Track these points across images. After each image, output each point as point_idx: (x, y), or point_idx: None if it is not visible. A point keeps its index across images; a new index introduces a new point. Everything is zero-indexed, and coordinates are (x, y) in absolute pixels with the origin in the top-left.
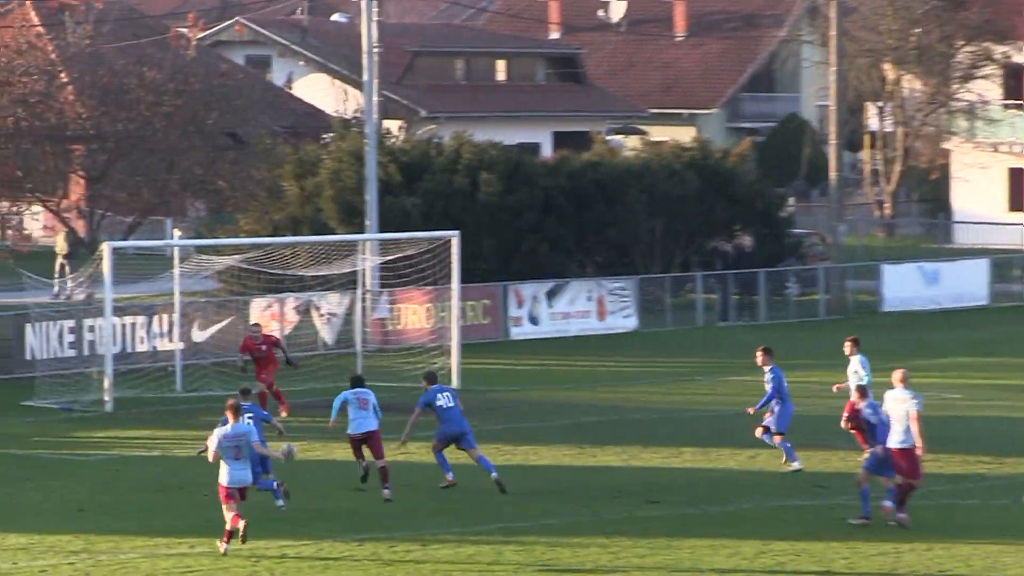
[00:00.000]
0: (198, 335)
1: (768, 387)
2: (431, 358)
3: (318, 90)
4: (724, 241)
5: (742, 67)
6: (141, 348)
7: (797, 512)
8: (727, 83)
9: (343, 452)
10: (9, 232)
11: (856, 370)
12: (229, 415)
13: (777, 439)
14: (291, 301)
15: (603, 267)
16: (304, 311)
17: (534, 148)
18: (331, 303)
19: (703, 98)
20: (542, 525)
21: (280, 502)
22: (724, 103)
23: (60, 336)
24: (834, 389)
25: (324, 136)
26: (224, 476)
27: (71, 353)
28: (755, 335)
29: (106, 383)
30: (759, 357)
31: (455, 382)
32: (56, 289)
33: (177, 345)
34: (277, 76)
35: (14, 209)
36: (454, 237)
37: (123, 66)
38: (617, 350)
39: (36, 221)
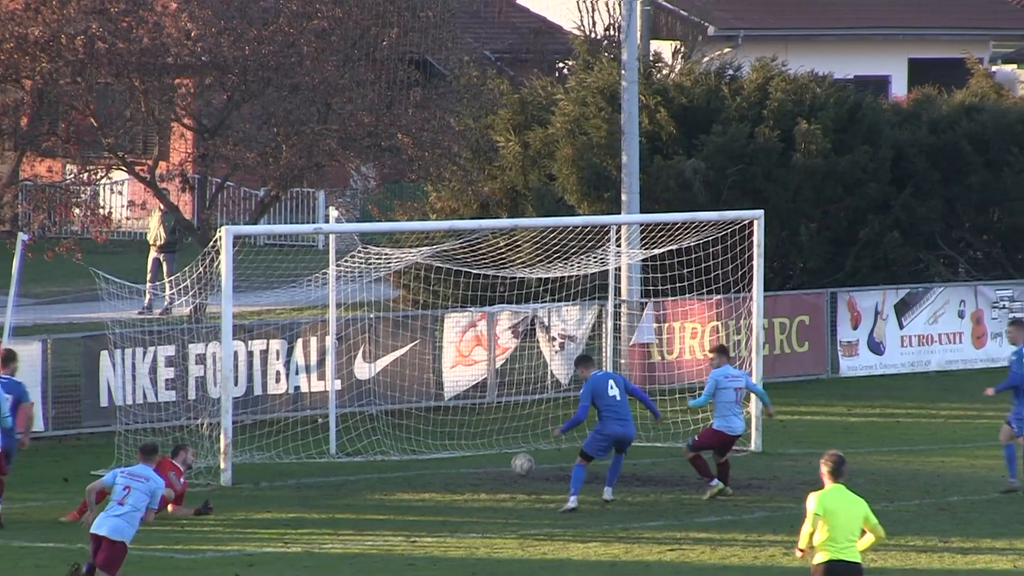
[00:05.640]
0: (364, 369)
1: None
2: None
3: None
4: None
5: None
6: (276, 388)
7: None
8: None
9: None
10: (77, 212)
11: None
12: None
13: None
14: (506, 317)
15: (982, 267)
16: (525, 333)
17: (879, 84)
18: (566, 320)
19: None
20: None
21: None
22: None
23: (153, 370)
24: None
25: (560, 65)
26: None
27: (169, 396)
28: None
29: (223, 442)
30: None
31: (754, 441)
32: (148, 299)
33: (332, 384)
34: None
35: (84, 176)
36: (756, 219)
37: None
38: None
39: (119, 195)
